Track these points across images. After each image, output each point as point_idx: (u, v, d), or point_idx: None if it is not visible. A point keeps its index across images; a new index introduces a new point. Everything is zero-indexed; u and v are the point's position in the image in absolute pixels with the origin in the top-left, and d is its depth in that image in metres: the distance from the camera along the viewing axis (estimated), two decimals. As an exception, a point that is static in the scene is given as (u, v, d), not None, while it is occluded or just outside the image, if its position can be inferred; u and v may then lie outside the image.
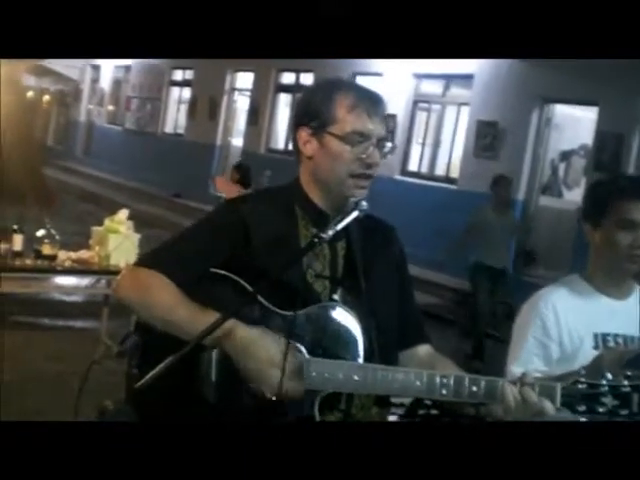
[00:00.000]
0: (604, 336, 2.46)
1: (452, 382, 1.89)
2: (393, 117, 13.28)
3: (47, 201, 14.72)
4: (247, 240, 2.07)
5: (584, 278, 2.57)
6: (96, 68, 24.24)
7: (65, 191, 17.62)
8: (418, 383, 1.91)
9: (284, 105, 17.08)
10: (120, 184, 19.65)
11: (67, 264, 6.65)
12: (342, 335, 2.00)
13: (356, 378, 1.92)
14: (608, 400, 1.81)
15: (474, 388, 1.88)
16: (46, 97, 27.25)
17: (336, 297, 2.09)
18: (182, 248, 2.13)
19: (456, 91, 13.46)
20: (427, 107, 14.00)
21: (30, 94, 24.75)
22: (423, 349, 2.24)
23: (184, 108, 20.21)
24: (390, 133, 12.99)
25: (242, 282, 2.03)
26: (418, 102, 13.91)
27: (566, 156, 12.24)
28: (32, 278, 7.04)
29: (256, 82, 17.38)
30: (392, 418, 2.22)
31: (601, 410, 1.82)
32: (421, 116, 14.07)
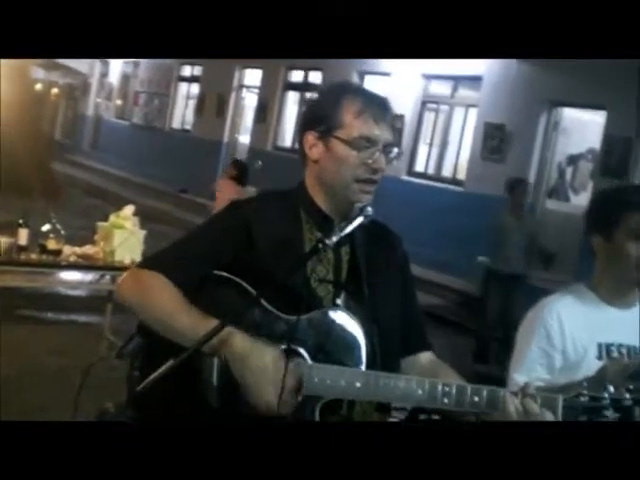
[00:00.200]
0: (608, 346, 2.45)
1: (454, 391, 1.89)
2: (401, 117, 13.27)
3: (54, 194, 14.75)
4: (251, 243, 2.07)
5: (589, 287, 2.55)
6: (105, 63, 24.26)
7: (72, 185, 17.66)
8: (420, 391, 1.90)
9: (292, 103, 17.09)
10: (127, 179, 19.67)
11: (72, 259, 6.65)
12: (344, 341, 1.99)
13: (358, 385, 1.92)
14: (610, 413, 1.80)
15: (476, 398, 1.88)
16: (54, 90, 27.27)
17: (339, 302, 2.08)
18: (185, 250, 2.13)
19: (464, 92, 13.45)
20: (435, 108, 13.99)
21: (39, 87, 24.78)
22: (425, 356, 2.23)
23: (192, 104, 20.23)
24: (398, 133, 12.98)
25: (245, 285, 2.03)
26: (426, 103, 13.90)
27: (573, 160, 12.21)
28: (37, 272, 7.03)
29: (264, 79, 17.37)
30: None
31: (603, 423, 1.81)
32: (429, 117, 14.06)
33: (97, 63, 24.57)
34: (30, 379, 5.76)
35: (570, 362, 2.45)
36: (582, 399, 1.83)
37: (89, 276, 7.47)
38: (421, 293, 2.31)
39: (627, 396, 1.80)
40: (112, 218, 7.06)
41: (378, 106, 2.09)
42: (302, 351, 1.97)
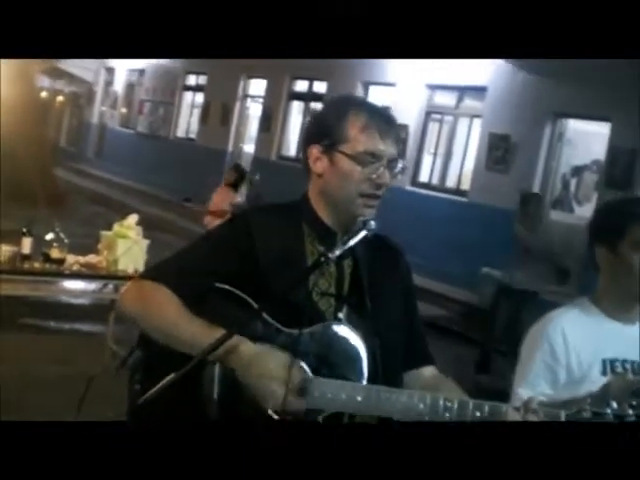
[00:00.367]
0: (612, 361, 2.44)
1: (456, 406, 1.88)
2: (405, 127, 13.28)
3: (58, 202, 14.78)
4: (253, 255, 2.06)
5: (593, 301, 2.54)
6: (110, 71, 24.33)
7: (76, 192, 17.69)
8: (421, 406, 1.89)
9: (297, 113, 17.11)
10: (131, 187, 19.69)
11: (75, 268, 6.66)
12: (346, 355, 1.99)
13: (359, 399, 1.91)
14: (612, 430, 1.79)
15: (478, 413, 1.87)
16: (59, 98, 27.33)
17: (341, 316, 2.08)
18: (188, 261, 2.12)
19: (469, 103, 13.45)
20: (439, 118, 13.99)
21: (44, 95, 24.86)
22: (427, 370, 2.22)
23: (197, 113, 20.26)
24: (402, 143, 12.99)
25: (247, 298, 2.02)
26: (430, 113, 13.90)
27: (578, 171, 12.19)
28: (40, 281, 7.04)
29: (269, 89, 17.40)
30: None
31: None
32: (433, 127, 14.05)
33: (102, 71, 24.63)
34: (32, 388, 5.75)
35: (574, 377, 2.44)
36: (585, 415, 1.82)
37: (92, 285, 7.47)
38: (424, 303, 2.30)
39: (630, 412, 1.80)
40: (116, 227, 7.07)
41: (383, 121, 2.09)
42: (303, 365, 1.96)
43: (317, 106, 15.61)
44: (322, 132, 2.10)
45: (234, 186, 10.12)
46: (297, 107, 17.18)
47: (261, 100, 17.86)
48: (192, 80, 20.71)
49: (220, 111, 18.69)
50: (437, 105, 13.93)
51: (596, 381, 2.29)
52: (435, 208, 12.80)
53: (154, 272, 2.13)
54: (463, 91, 13.34)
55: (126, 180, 20.38)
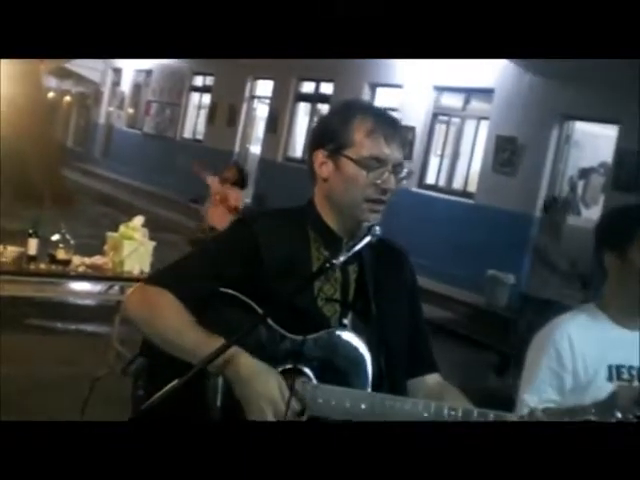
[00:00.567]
0: (618, 368, 2.42)
1: (460, 414, 1.86)
2: (412, 129, 13.27)
3: (64, 202, 14.79)
4: (258, 260, 2.05)
5: (600, 307, 2.52)
6: (117, 71, 24.37)
7: (82, 193, 17.71)
8: (426, 414, 1.88)
9: (303, 114, 17.12)
10: (137, 188, 19.71)
11: (81, 269, 6.64)
12: (351, 361, 1.98)
13: (363, 407, 1.90)
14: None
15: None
16: (67, 98, 27.39)
17: (346, 322, 2.07)
18: (192, 267, 2.11)
19: (476, 105, 13.43)
20: (446, 120, 13.98)
21: (51, 95, 24.89)
22: (432, 378, 2.20)
23: (203, 114, 20.28)
24: (409, 145, 12.97)
25: (252, 303, 2.01)
26: (438, 115, 13.89)
27: (585, 174, 12.16)
28: (46, 282, 7.03)
29: (276, 90, 17.40)
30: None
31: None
32: (440, 129, 14.05)
33: (109, 72, 24.68)
34: (38, 388, 5.76)
35: (580, 383, 2.42)
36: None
37: (98, 286, 7.45)
38: (430, 306, 2.29)
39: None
40: (122, 229, 7.05)
41: (389, 126, 2.08)
42: (307, 371, 1.96)
43: (324, 107, 15.63)
44: (328, 137, 2.09)
45: (237, 183, 10.20)
46: (304, 108, 17.18)
47: (268, 101, 17.87)
48: (199, 81, 20.73)
49: (227, 112, 18.71)
50: (444, 107, 13.92)
51: (602, 387, 2.28)
52: (442, 210, 12.79)
53: (159, 277, 2.13)
54: (470, 93, 13.32)
55: (132, 181, 20.40)
